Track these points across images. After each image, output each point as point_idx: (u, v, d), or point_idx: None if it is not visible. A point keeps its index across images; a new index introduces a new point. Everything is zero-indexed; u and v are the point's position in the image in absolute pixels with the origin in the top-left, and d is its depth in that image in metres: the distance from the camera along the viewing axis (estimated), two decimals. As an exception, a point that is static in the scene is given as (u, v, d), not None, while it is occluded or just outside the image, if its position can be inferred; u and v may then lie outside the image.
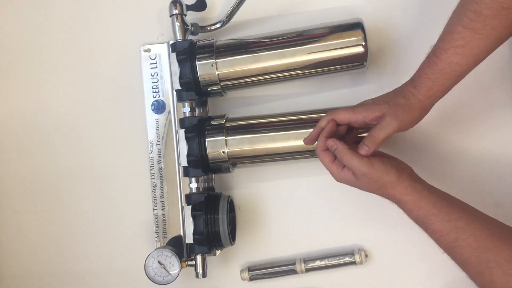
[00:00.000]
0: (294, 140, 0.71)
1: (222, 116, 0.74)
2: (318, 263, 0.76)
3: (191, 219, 0.72)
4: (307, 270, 0.76)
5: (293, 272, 0.77)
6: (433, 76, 0.58)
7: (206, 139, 0.71)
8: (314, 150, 0.67)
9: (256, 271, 0.78)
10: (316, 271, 0.76)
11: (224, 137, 0.71)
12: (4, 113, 0.86)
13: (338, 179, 0.64)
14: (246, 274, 0.78)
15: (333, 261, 0.75)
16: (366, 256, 0.75)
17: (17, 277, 0.86)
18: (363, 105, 0.63)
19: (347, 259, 0.75)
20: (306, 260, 0.76)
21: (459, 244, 0.56)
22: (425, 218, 0.59)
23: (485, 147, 0.74)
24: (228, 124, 0.73)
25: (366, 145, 0.60)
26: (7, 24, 0.86)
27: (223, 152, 0.71)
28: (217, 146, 0.71)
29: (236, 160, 0.73)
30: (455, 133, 0.75)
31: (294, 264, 0.77)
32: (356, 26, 0.68)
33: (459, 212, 0.58)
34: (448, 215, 0.58)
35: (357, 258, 0.74)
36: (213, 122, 0.73)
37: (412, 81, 0.61)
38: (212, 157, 0.72)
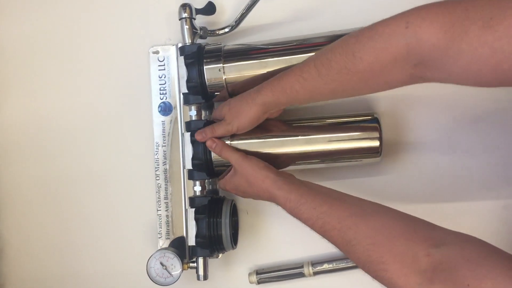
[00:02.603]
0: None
1: None
2: (326, 266, 0.76)
3: (194, 222, 0.72)
4: (315, 273, 0.77)
5: (301, 275, 0.77)
6: (274, 88, 0.64)
7: None
8: None
9: (264, 274, 0.79)
10: (324, 274, 0.77)
11: (229, 141, 0.72)
12: (13, 116, 0.87)
13: (229, 187, 0.71)
14: (254, 278, 0.79)
15: (341, 264, 0.76)
16: None
17: (24, 278, 0.87)
18: (220, 106, 0.71)
19: None
20: (314, 263, 0.77)
21: (326, 228, 0.59)
22: (296, 209, 0.62)
23: (493, 148, 0.74)
24: None
25: (204, 131, 0.71)
26: (17, 26, 0.86)
27: None
28: None
29: None
30: (463, 134, 0.75)
31: (302, 267, 0.77)
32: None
33: (323, 198, 0.61)
34: (313, 202, 0.61)
35: None
36: None
37: (258, 86, 0.66)
38: (217, 161, 0.72)
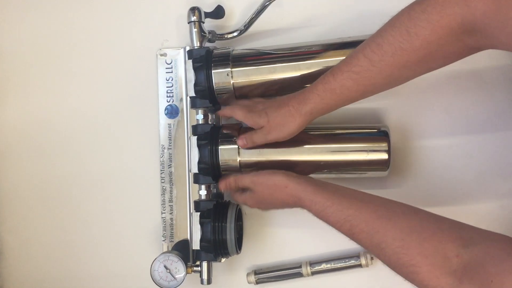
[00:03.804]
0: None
1: (236, 126, 0.74)
2: (324, 266, 0.76)
3: (199, 226, 0.72)
4: (313, 273, 0.77)
5: (299, 275, 0.77)
6: (323, 93, 0.61)
7: (219, 147, 0.71)
8: None
9: (263, 274, 0.79)
10: (322, 274, 0.77)
11: (237, 146, 0.71)
12: (16, 118, 0.87)
13: (251, 204, 0.70)
14: (252, 278, 0.79)
15: (339, 264, 0.76)
16: (371, 258, 0.75)
17: (24, 281, 0.87)
18: (252, 111, 0.68)
19: (353, 261, 0.75)
20: (312, 263, 0.77)
21: (354, 231, 0.59)
22: (322, 212, 0.61)
23: (491, 148, 0.74)
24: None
25: (245, 139, 0.69)
26: (26, 28, 0.86)
27: (234, 160, 0.71)
28: (230, 154, 0.71)
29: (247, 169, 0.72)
30: (460, 134, 0.75)
31: (300, 267, 0.77)
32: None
33: (349, 201, 0.61)
34: (340, 205, 0.60)
35: (362, 260, 0.75)
36: (226, 131, 0.73)
37: (300, 95, 0.64)
38: (225, 166, 0.72)
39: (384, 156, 0.69)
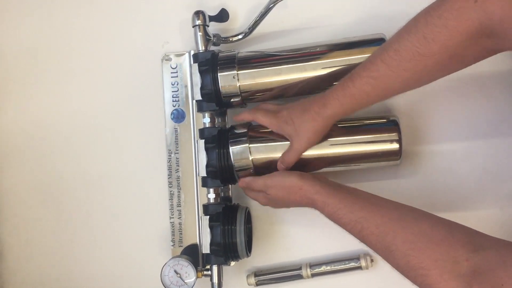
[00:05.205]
0: None
1: (245, 125, 0.74)
2: (324, 268, 0.76)
3: (208, 230, 0.72)
4: (313, 275, 0.77)
5: (299, 277, 0.77)
6: (343, 99, 0.62)
7: (230, 148, 0.71)
8: None
9: (263, 276, 0.79)
10: (322, 276, 0.77)
11: (248, 145, 0.71)
12: (20, 119, 0.87)
13: (263, 202, 0.72)
14: (252, 279, 0.79)
15: (339, 266, 0.76)
16: (371, 260, 0.75)
17: (24, 282, 0.86)
18: (278, 118, 0.68)
19: (352, 264, 0.75)
20: (312, 265, 0.77)
21: (365, 233, 0.59)
22: (334, 214, 0.62)
23: (490, 151, 0.74)
24: (251, 133, 0.72)
25: (282, 163, 0.69)
26: (29, 30, 0.86)
27: (247, 159, 0.71)
28: (242, 154, 0.71)
29: (260, 166, 0.72)
30: (460, 137, 0.75)
31: (300, 269, 0.77)
32: (379, 40, 0.69)
33: (362, 203, 0.62)
34: (352, 207, 0.61)
35: (362, 262, 0.75)
36: (236, 131, 0.73)
37: (321, 99, 0.64)
38: (238, 166, 0.71)
39: (395, 146, 0.69)
